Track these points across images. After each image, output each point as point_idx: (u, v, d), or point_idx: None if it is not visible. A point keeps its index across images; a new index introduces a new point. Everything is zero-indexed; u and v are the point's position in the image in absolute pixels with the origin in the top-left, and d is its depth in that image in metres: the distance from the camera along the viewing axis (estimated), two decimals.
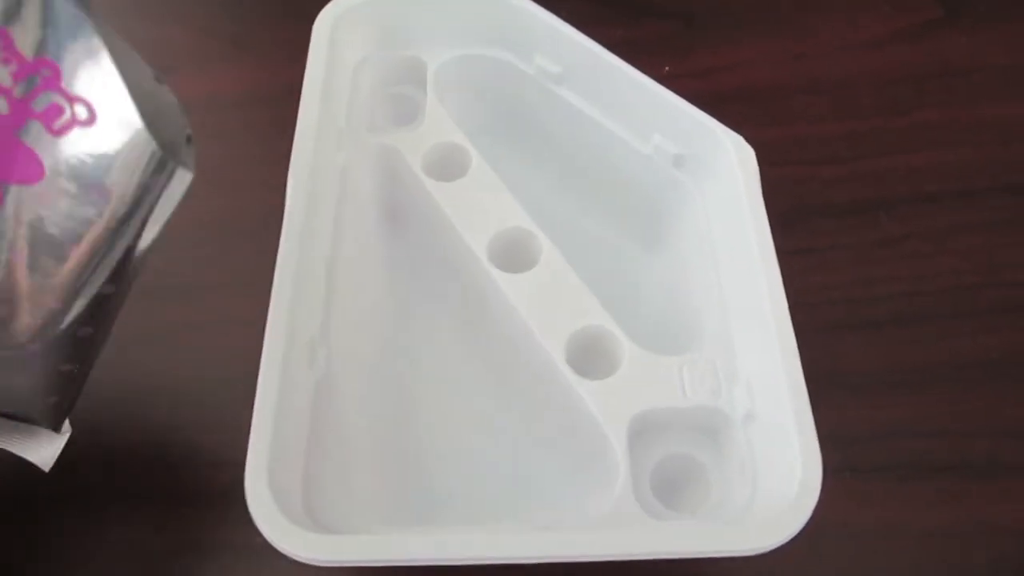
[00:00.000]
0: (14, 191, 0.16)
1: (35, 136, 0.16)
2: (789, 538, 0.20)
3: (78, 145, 0.16)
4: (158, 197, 0.17)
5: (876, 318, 0.30)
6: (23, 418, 0.21)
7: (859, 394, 0.29)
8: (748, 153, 0.26)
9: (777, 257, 0.24)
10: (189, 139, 0.18)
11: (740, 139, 0.26)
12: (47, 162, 0.16)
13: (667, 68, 0.38)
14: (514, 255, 0.27)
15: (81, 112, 0.16)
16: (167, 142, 0.17)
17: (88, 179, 0.16)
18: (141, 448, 0.28)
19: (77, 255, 0.17)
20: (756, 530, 0.20)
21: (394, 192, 0.30)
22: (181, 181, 0.17)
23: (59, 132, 0.16)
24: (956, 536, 0.26)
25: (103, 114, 0.16)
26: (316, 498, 0.23)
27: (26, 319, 0.17)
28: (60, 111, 0.16)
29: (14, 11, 0.16)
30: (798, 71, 0.38)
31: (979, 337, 0.30)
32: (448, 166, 0.29)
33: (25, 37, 0.16)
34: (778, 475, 0.22)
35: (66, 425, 0.22)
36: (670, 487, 0.24)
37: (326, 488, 0.23)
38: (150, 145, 0.16)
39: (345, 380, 0.26)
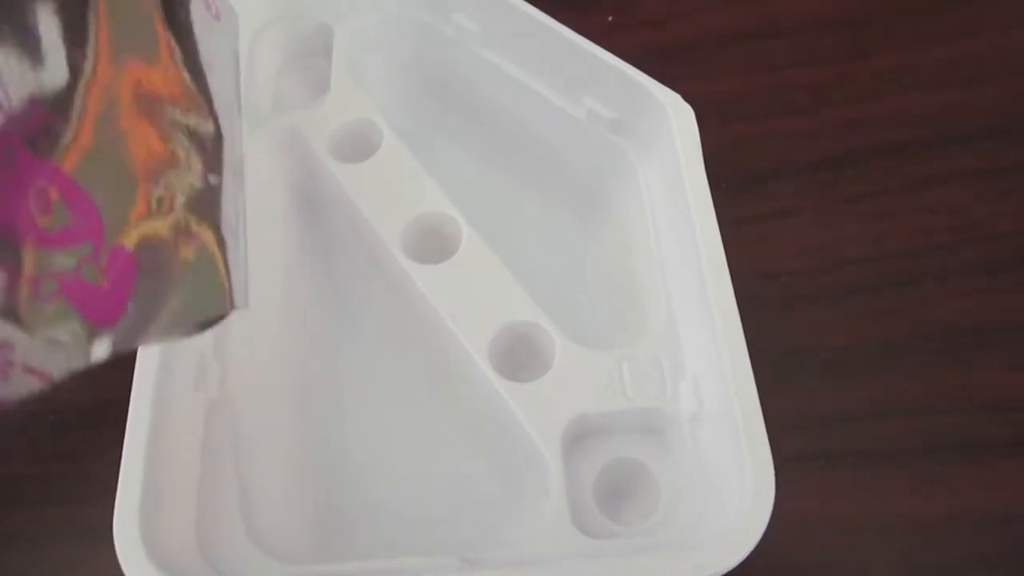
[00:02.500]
0: None
1: None
2: (746, 555, 0.17)
3: None
4: None
5: (842, 287, 0.28)
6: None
7: (827, 372, 0.26)
8: (686, 113, 0.23)
9: (733, 225, 0.21)
10: None
11: (677, 98, 0.23)
12: None
13: (611, 18, 0.34)
14: (431, 243, 0.24)
15: None
16: None
17: None
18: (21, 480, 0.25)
19: None
20: (710, 552, 0.17)
21: (300, 177, 0.27)
22: None
23: None
24: (935, 526, 0.24)
25: None
26: (213, 541, 0.20)
27: None
28: None
29: None
30: (754, 13, 0.35)
31: (955, 302, 0.27)
32: (357, 145, 0.26)
33: None
34: (730, 479, 0.19)
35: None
36: (614, 496, 0.21)
37: (227, 526, 0.21)
38: None
39: (247, 400, 0.23)
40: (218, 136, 0.20)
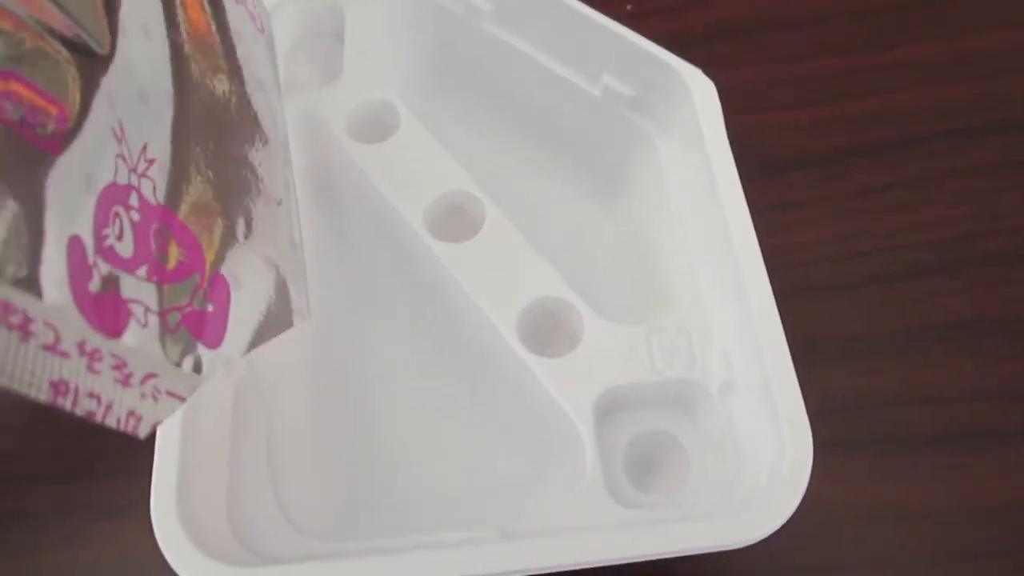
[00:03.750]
0: None
1: None
2: (780, 525, 0.18)
3: None
4: None
5: (859, 277, 0.28)
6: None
7: (843, 360, 0.26)
8: (707, 88, 0.23)
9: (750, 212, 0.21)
10: None
11: (698, 72, 0.23)
12: None
13: (629, 6, 0.34)
14: (454, 222, 0.24)
15: None
16: None
17: None
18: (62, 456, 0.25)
19: None
20: (742, 521, 0.18)
21: (316, 159, 0.27)
22: None
23: None
24: (953, 515, 0.24)
25: None
26: (245, 518, 0.20)
27: None
28: None
29: None
30: (773, 2, 0.35)
31: (971, 293, 0.27)
32: (374, 126, 0.26)
33: None
34: (763, 451, 0.19)
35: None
36: (645, 470, 0.22)
37: (258, 506, 0.21)
38: None
39: (272, 380, 0.23)
40: (276, 154, 0.21)
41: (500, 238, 0.23)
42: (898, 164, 0.30)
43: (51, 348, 0.12)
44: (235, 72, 0.20)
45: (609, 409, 0.22)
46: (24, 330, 0.12)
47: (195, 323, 0.16)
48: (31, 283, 0.12)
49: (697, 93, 0.23)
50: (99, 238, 0.14)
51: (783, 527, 0.18)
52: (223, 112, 0.19)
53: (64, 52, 0.14)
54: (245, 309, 0.18)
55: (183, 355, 0.15)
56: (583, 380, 0.21)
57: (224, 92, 0.19)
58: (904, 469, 0.25)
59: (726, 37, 0.34)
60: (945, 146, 0.31)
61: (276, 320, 0.19)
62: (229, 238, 0.18)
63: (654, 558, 0.18)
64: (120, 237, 0.14)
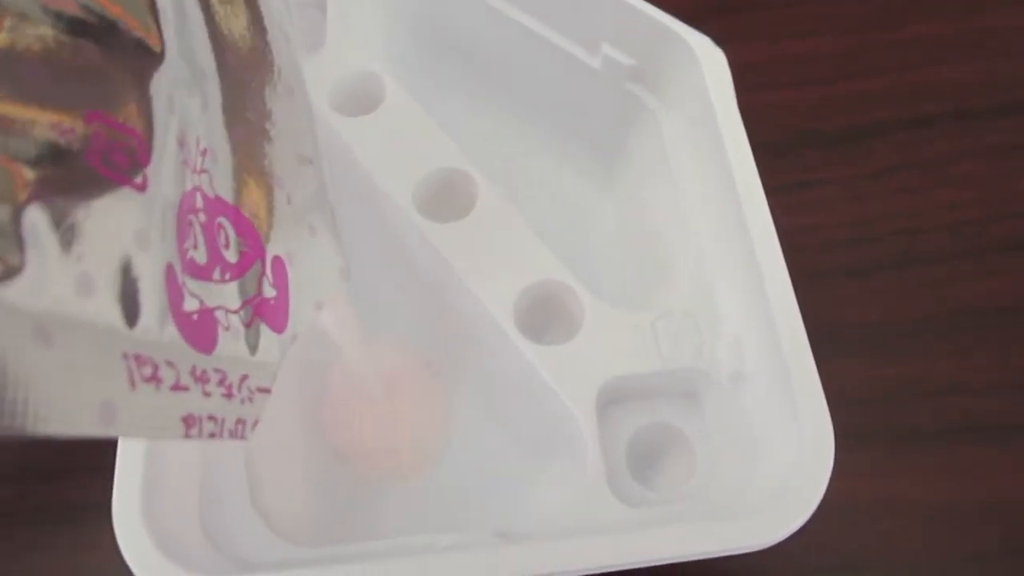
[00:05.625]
0: None
1: None
2: (800, 525, 0.16)
3: None
4: None
5: (872, 262, 0.27)
6: None
7: (856, 349, 0.25)
8: (718, 57, 0.21)
9: None
10: None
11: (707, 41, 0.22)
12: None
13: None
14: (445, 201, 0.22)
15: None
16: None
17: None
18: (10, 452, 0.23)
19: None
20: (759, 522, 0.16)
21: None
22: None
23: None
24: (966, 510, 0.23)
25: None
26: (221, 522, 0.18)
27: None
28: None
29: None
30: None
31: (985, 279, 0.26)
32: (359, 99, 0.24)
33: None
34: (778, 446, 0.18)
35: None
36: (650, 465, 0.20)
37: (235, 509, 0.19)
38: None
39: None
40: (301, 109, 0.19)
41: (494, 218, 0.22)
42: (909, 145, 0.29)
43: (177, 387, 0.12)
44: (257, 18, 0.18)
45: (611, 400, 0.20)
46: (156, 378, 0.12)
47: (265, 312, 0.16)
48: (150, 329, 0.12)
49: (707, 63, 0.21)
50: (183, 256, 0.13)
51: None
52: (251, 66, 0.17)
53: (129, 58, 0.12)
54: (302, 283, 0.17)
55: (263, 348, 0.15)
56: (584, 370, 0.20)
57: (248, 41, 0.17)
58: (920, 464, 0.23)
59: (730, 12, 0.33)
60: (957, 127, 0.29)
61: (326, 285, 0.18)
62: (276, 212, 0.17)
63: (663, 563, 0.16)
64: (196, 246, 0.14)
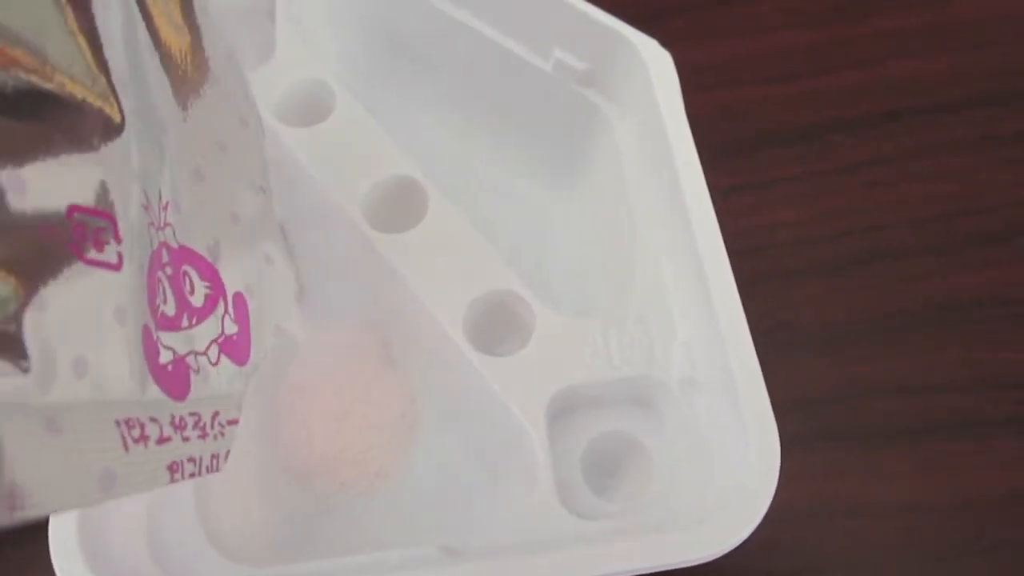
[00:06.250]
0: None
1: None
2: (750, 532, 0.16)
3: None
4: None
5: (837, 258, 0.26)
6: None
7: (821, 348, 0.25)
8: (664, 60, 0.21)
9: (720, 195, 0.19)
10: None
11: (654, 43, 0.21)
12: None
13: None
14: (396, 211, 0.22)
15: None
16: None
17: None
18: None
19: None
20: (709, 531, 0.16)
21: None
22: None
23: None
24: (936, 506, 0.23)
25: None
26: (168, 545, 0.18)
27: None
28: None
29: None
30: None
31: (953, 274, 0.26)
32: (309, 109, 0.24)
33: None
34: (729, 451, 0.18)
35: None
36: (606, 473, 0.20)
37: (183, 530, 0.19)
38: None
39: None
40: (253, 135, 0.20)
41: (444, 227, 0.22)
42: (876, 140, 0.29)
43: (161, 440, 0.13)
44: (198, 46, 0.18)
45: (564, 410, 0.20)
46: (144, 437, 0.12)
47: (229, 348, 0.16)
48: (133, 391, 0.12)
49: (653, 66, 0.21)
50: (155, 314, 0.14)
51: (757, 529, 0.16)
52: (203, 94, 0.17)
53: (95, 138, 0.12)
54: (261, 313, 0.18)
55: (228, 382, 0.16)
56: (534, 380, 0.19)
57: (194, 72, 0.17)
58: (887, 463, 0.23)
59: (692, 10, 0.32)
60: (924, 121, 0.29)
61: (284, 310, 0.19)
62: (232, 247, 0.17)
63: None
64: (165, 300, 0.14)
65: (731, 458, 0.18)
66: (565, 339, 0.20)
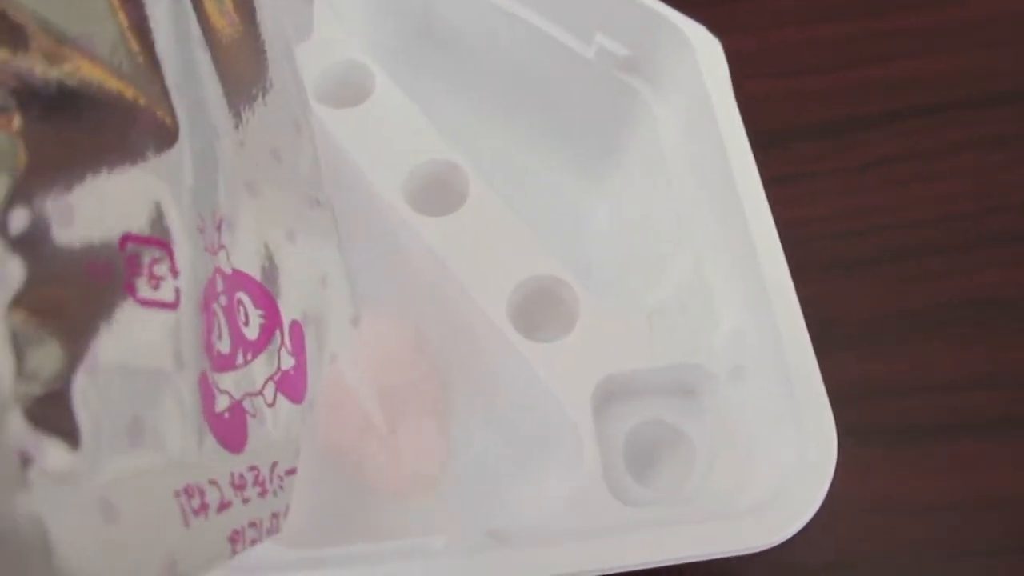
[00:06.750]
0: None
1: None
2: (802, 526, 0.16)
3: None
4: None
5: (866, 255, 0.26)
6: None
7: (850, 345, 0.25)
8: (713, 47, 0.21)
9: None
10: None
11: (702, 29, 0.21)
12: None
13: None
14: (435, 195, 0.22)
15: None
16: None
17: None
18: None
19: None
20: (760, 523, 0.16)
21: None
22: None
23: None
24: (964, 506, 0.22)
25: None
26: None
27: None
28: None
29: None
30: None
31: (981, 272, 0.26)
32: (347, 90, 0.24)
33: None
34: (778, 443, 0.18)
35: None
36: (649, 464, 0.20)
37: None
38: None
39: None
40: (306, 140, 0.18)
41: (486, 212, 0.21)
42: (905, 136, 0.29)
43: (222, 507, 0.11)
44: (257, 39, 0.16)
45: (607, 398, 0.20)
46: (204, 507, 0.11)
47: (286, 385, 0.14)
48: (190, 450, 0.10)
49: (702, 52, 0.21)
50: (211, 355, 0.12)
51: None
52: (257, 95, 0.15)
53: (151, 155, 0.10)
54: (317, 344, 0.16)
55: (285, 424, 0.14)
56: (579, 367, 0.19)
57: (249, 64, 0.15)
58: (916, 460, 0.23)
59: (721, 1, 0.32)
60: (953, 117, 0.29)
61: (340, 337, 0.17)
62: (287, 268, 0.15)
63: (662, 565, 0.16)
64: (220, 336, 0.12)
65: (780, 448, 0.18)
66: (610, 326, 0.20)
